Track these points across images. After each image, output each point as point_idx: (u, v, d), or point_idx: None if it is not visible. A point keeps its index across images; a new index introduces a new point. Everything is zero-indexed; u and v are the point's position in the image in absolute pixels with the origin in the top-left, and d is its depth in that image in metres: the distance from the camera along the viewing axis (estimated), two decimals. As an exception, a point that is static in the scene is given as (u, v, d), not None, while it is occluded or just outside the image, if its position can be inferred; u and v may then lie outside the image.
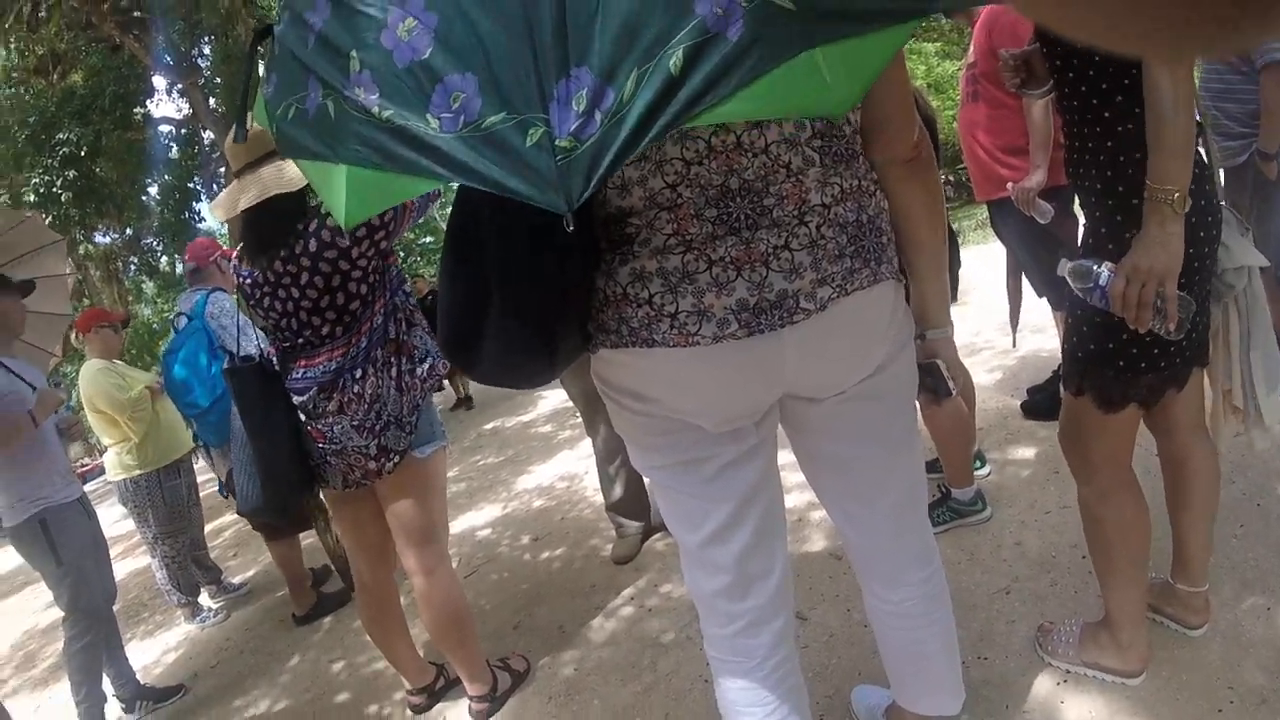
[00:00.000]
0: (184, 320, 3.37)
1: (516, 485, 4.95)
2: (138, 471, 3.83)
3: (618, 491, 3.24)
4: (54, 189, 9.35)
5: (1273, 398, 1.68)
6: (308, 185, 1.75)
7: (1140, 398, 1.51)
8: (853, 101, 0.87)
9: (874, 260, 1.15)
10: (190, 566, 4.16)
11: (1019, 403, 3.43)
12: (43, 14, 8.81)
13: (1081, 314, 1.50)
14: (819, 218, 1.10)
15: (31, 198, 9.23)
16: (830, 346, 1.15)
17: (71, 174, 9.43)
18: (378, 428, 2.01)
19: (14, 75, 10.53)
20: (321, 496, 2.71)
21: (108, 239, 13.46)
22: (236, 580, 4.63)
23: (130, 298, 15.89)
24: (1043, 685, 1.74)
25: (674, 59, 0.73)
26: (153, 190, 12.11)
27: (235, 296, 3.54)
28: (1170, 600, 1.81)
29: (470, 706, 2.45)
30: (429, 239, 25.10)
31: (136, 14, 8.94)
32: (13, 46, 9.90)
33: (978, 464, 2.79)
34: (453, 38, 0.76)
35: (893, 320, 1.21)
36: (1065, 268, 1.42)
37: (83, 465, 21.64)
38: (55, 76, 10.00)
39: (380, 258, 2.01)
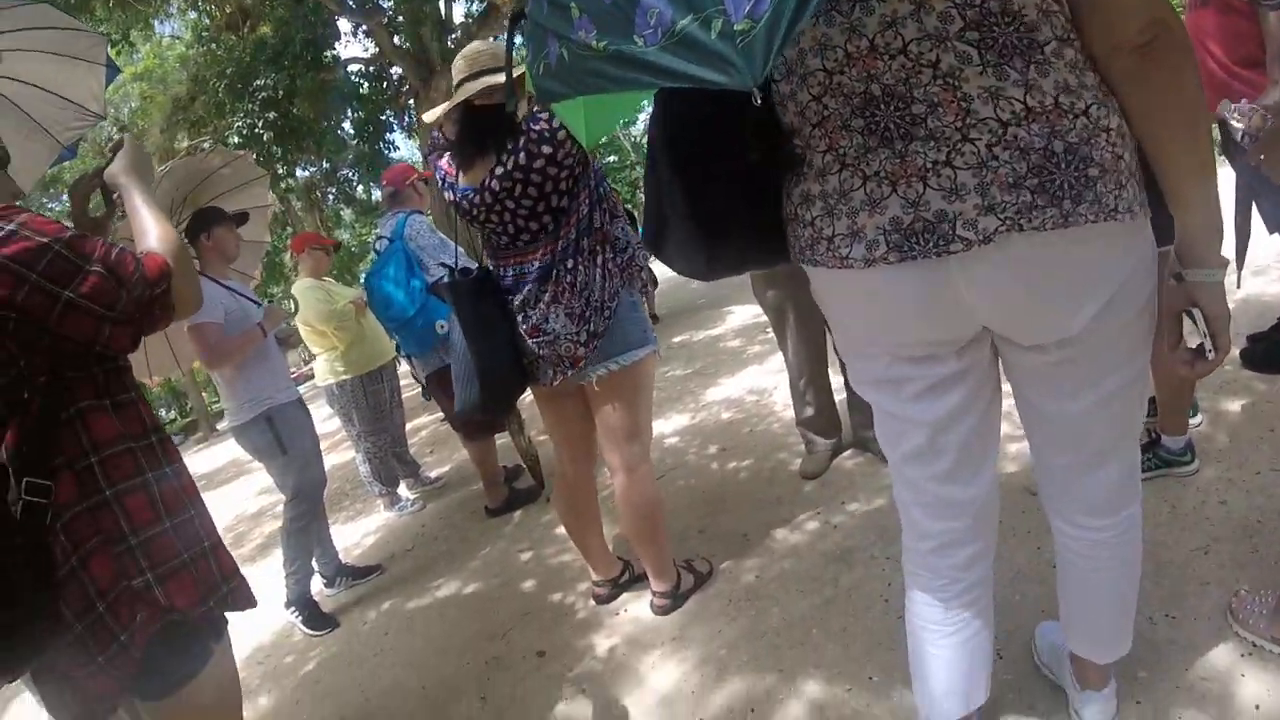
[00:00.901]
0: (384, 242, 3.58)
1: (705, 397, 4.94)
2: (345, 376, 4.18)
3: (809, 408, 3.16)
4: (256, 130, 10.08)
5: None
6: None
7: None
8: None
9: (1068, 199, 0.94)
10: (391, 461, 4.52)
11: (1237, 350, 2.96)
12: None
13: None
14: (990, 135, 0.94)
15: (235, 140, 10.02)
16: (1011, 287, 1.01)
17: (271, 115, 10.13)
18: (587, 314, 2.10)
19: (205, 34, 11.41)
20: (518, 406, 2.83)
21: (307, 172, 14.58)
22: (433, 474, 5.00)
23: (330, 224, 17.27)
24: (1226, 655, 1.59)
25: None
26: (347, 125, 12.85)
27: (429, 217, 3.73)
28: None
29: (652, 601, 2.51)
30: (613, 157, 28.06)
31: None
32: (201, 7, 10.73)
33: (1191, 412, 2.48)
34: None
35: (1104, 272, 1.01)
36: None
37: (292, 371, 24.25)
38: (245, 30, 10.77)
39: (581, 153, 2.05)
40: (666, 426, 4.45)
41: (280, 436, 3.05)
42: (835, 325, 1.26)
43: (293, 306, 4.15)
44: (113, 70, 2.92)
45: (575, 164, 2.04)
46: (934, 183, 0.97)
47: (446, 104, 2.11)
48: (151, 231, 1.29)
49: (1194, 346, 1.08)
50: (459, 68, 2.12)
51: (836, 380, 3.16)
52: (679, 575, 2.52)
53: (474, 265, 2.29)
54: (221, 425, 14.34)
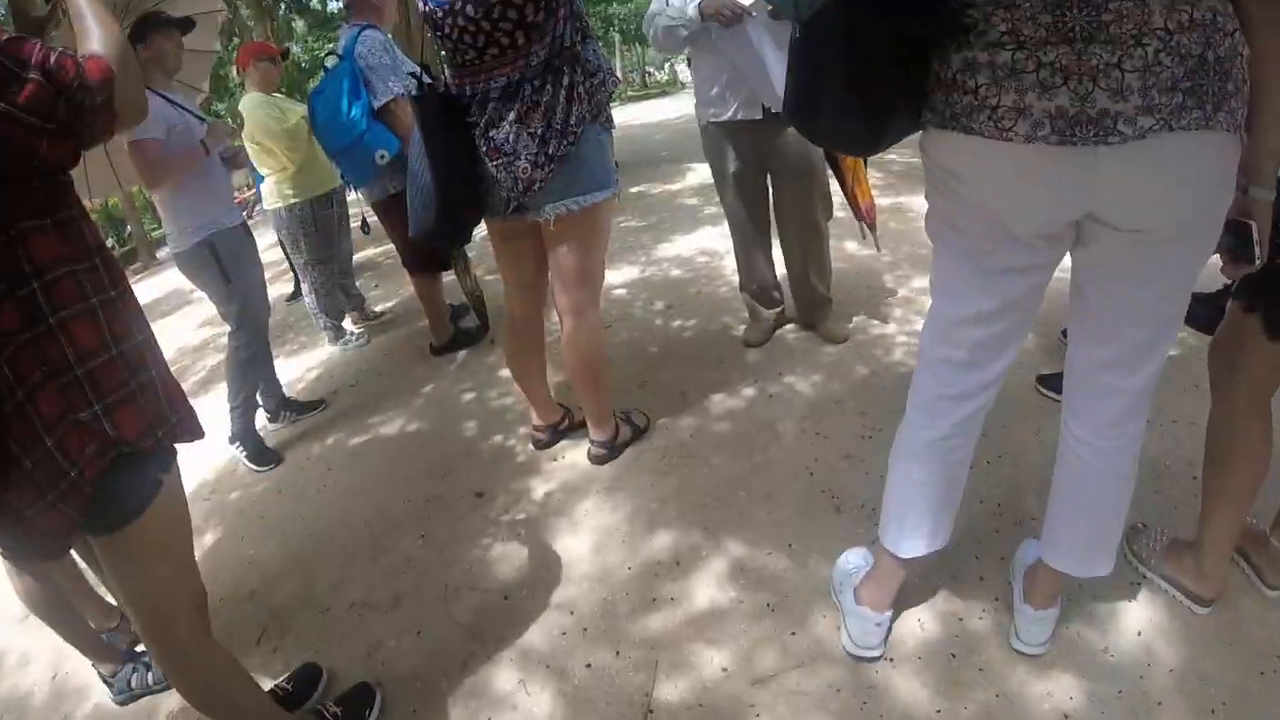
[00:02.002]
0: (334, 59, 3.30)
1: (656, 252, 4.93)
2: (294, 200, 3.97)
3: (751, 278, 3.17)
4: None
5: None
6: None
7: None
8: None
9: (1211, 104, 1.07)
10: (337, 293, 4.42)
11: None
12: None
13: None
14: (1159, 42, 1.05)
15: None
16: (1144, 179, 1.12)
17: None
18: (548, 135, 2.02)
19: None
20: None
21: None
22: (378, 309, 4.94)
23: (281, 36, 15.85)
24: (1114, 582, 1.68)
25: None
26: None
27: (388, 33, 3.40)
28: (1261, 552, 1.73)
29: (590, 450, 2.60)
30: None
31: None
32: None
33: None
34: None
35: (1218, 175, 1.14)
36: None
37: (235, 195, 23.04)
38: None
39: None
40: (616, 278, 4.43)
41: (224, 263, 2.92)
42: (951, 190, 1.30)
43: (239, 124, 3.86)
44: None
45: None
46: (1103, 83, 1.06)
47: None
48: (94, 32, 1.17)
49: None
50: None
51: (778, 253, 3.16)
52: (617, 426, 2.60)
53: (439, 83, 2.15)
54: (162, 253, 13.65)
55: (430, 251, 3.51)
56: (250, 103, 3.86)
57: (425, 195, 2.11)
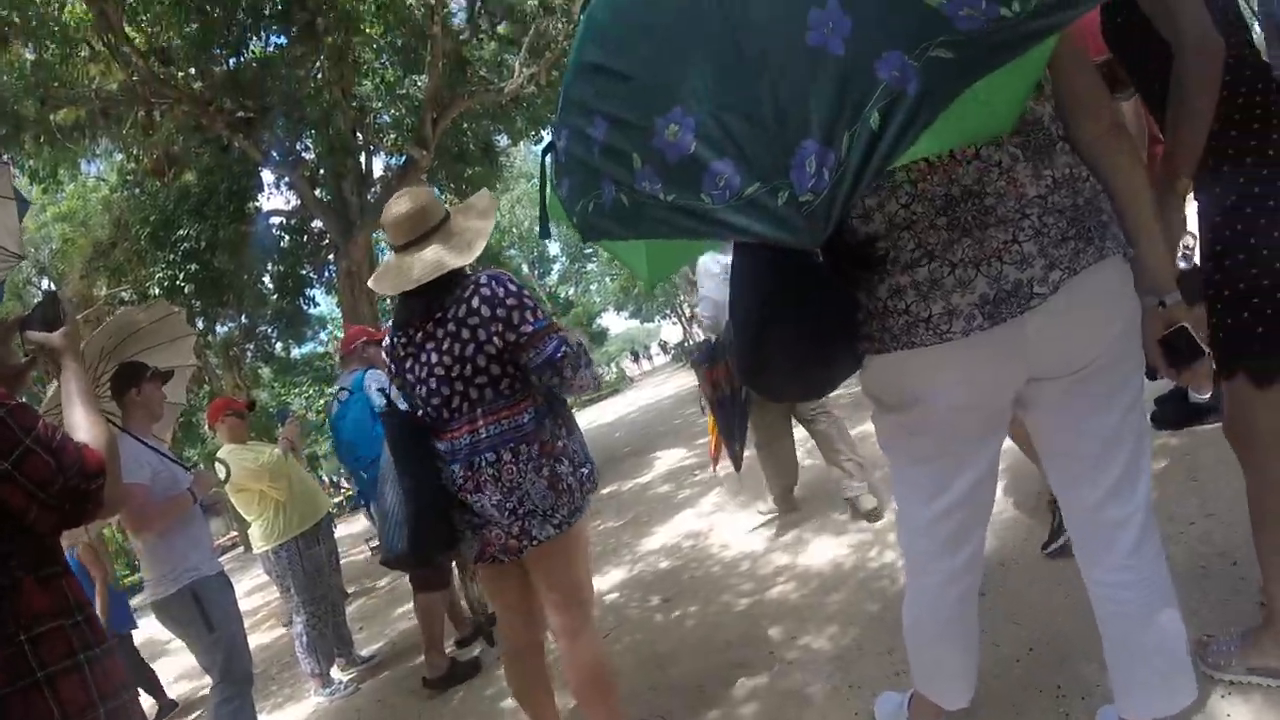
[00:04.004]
0: (345, 393, 3.77)
1: (640, 547, 4.97)
2: (283, 539, 4.05)
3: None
4: (177, 282, 9.96)
5: None
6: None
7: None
8: (1012, 116, 1.24)
9: (1097, 238, 1.31)
10: (328, 634, 4.30)
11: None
12: (157, 117, 9.64)
13: (1214, 294, 1.56)
14: (1039, 208, 1.30)
15: (156, 290, 9.88)
16: (1069, 324, 1.32)
17: (193, 267, 10.05)
18: (520, 512, 2.06)
19: (129, 178, 11.44)
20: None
21: (225, 328, 14.25)
22: (364, 652, 4.75)
23: (249, 383, 16.75)
24: (1207, 698, 1.67)
25: (873, 118, 0.94)
26: (266, 279, 12.77)
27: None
28: None
29: None
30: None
31: (244, 114, 9.69)
32: (133, 151, 10.79)
33: None
34: (709, 133, 1.00)
35: (1125, 290, 1.37)
36: None
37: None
38: (170, 177, 10.84)
39: (516, 358, 2.05)
40: (604, 582, 4.43)
41: (207, 612, 2.90)
42: (901, 411, 1.49)
43: (221, 472, 4.04)
44: (23, 204, 2.85)
45: (505, 358, 2.03)
46: (1008, 259, 1.29)
47: (392, 274, 2.14)
48: (85, 425, 1.31)
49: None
50: (399, 228, 2.12)
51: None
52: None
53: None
54: (137, 599, 13.09)
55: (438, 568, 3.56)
56: (228, 451, 4.11)
57: (397, 514, 2.08)
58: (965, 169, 1.31)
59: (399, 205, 2.16)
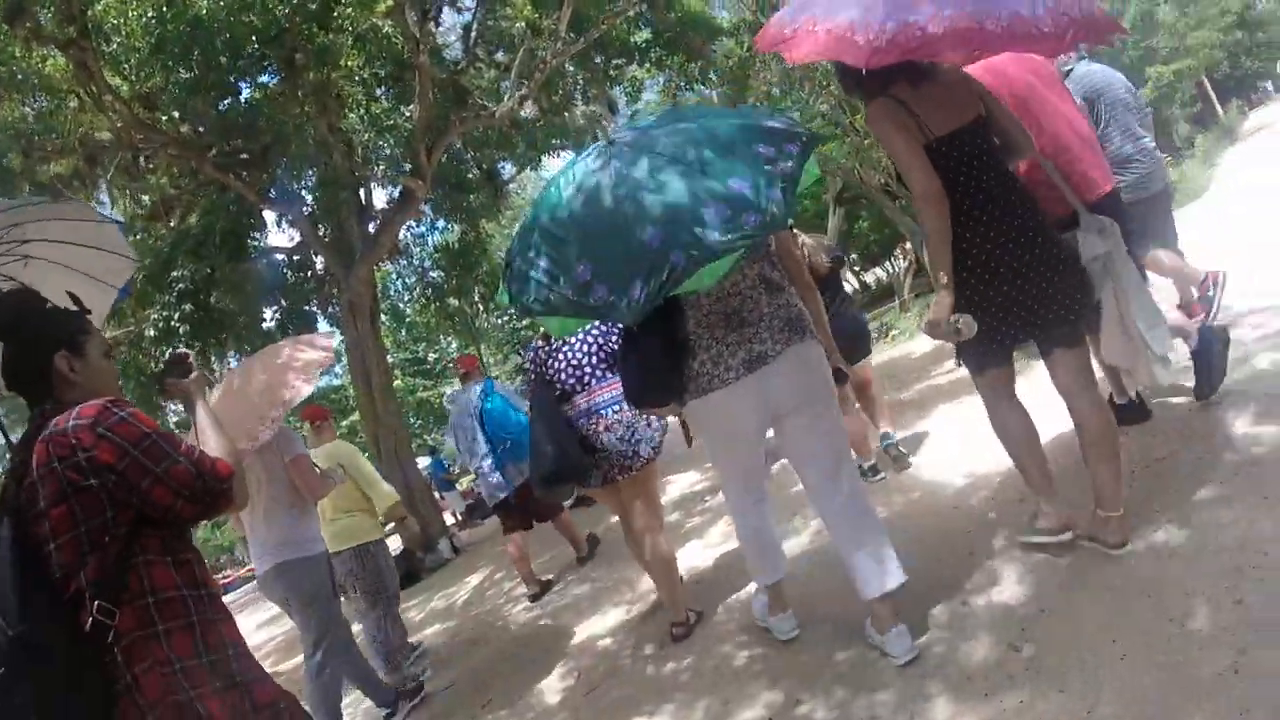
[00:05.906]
0: (483, 395, 5.56)
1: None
2: (376, 536, 4.49)
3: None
4: (172, 323, 9.91)
5: (1155, 332, 2.52)
6: None
7: (988, 364, 2.70)
8: (717, 277, 2.60)
9: (800, 330, 2.70)
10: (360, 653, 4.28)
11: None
12: (142, 163, 9.61)
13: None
14: (769, 312, 2.67)
15: (151, 333, 9.86)
16: (788, 376, 2.65)
17: (188, 308, 9.98)
18: (634, 440, 3.42)
19: (133, 222, 11.35)
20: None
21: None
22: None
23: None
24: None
25: (664, 273, 2.24)
26: (268, 317, 12.53)
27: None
28: (1095, 525, 2.57)
29: (672, 631, 3.54)
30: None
31: (236, 156, 9.65)
32: (128, 195, 10.75)
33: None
34: (598, 272, 2.36)
35: (818, 361, 2.74)
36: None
37: (225, 577, 22.61)
38: (173, 220, 10.78)
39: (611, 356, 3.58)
40: (599, 625, 4.28)
41: (333, 577, 3.69)
42: (715, 432, 2.91)
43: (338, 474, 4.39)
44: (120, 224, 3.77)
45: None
46: (755, 339, 2.64)
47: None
48: (216, 445, 1.77)
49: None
50: None
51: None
52: (688, 616, 3.58)
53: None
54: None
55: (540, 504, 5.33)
56: (335, 449, 4.55)
57: (544, 443, 3.38)
58: (736, 298, 2.67)
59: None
